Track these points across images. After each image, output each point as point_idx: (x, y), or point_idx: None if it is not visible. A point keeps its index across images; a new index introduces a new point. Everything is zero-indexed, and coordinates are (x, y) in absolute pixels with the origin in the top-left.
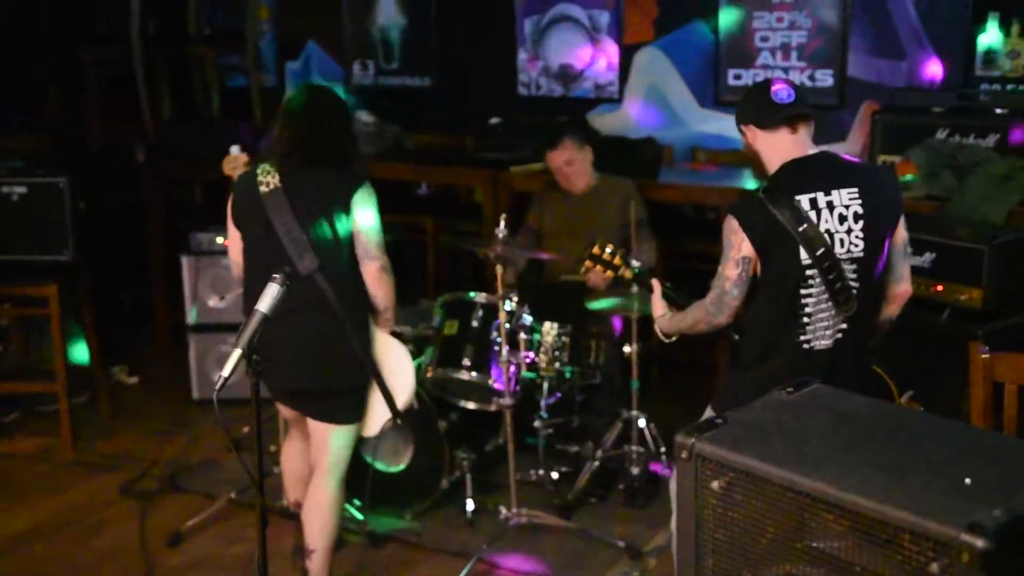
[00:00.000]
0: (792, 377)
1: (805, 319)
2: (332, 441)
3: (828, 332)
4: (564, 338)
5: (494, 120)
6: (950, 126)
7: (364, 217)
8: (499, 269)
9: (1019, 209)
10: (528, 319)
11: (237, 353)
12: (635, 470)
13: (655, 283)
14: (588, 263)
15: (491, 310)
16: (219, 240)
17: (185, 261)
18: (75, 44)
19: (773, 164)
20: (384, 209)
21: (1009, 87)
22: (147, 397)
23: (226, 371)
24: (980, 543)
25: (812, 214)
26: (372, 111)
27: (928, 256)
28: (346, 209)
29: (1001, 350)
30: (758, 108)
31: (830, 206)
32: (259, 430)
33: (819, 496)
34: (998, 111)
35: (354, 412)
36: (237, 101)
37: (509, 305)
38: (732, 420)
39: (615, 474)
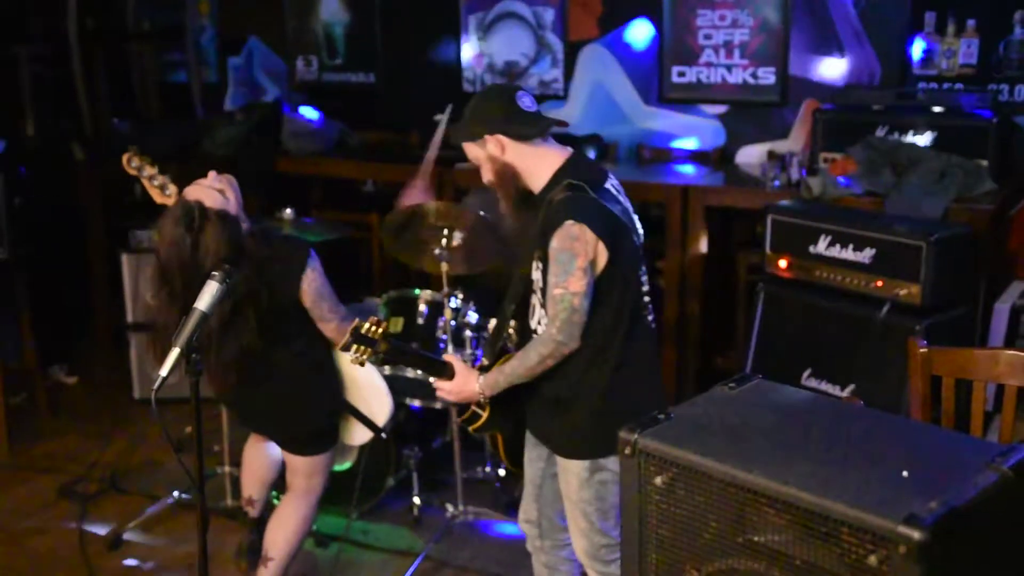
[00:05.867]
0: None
1: (647, 298)
2: (305, 469)
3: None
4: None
5: (439, 117)
6: (889, 124)
7: (315, 295)
8: (444, 266)
9: (956, 206)
10: (474, 316)
11: (176, 352)
12: None
13: (450, 359)
14: (355, 346)
15: (436, 307)
16: None
17: (125, 259)
18: (10, 41)
19: (541, 172)
20: (329, 207)
21: (945, 86)
22: (87, 397)
23: (164, 371)
24: (917, 535)
25: (623, 199)
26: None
27: (868, 252)
28: (296, 298)
29: (939, 344)
30: (514, 119)
31: (619, 192)
32: (200, 431)
33: (760, 490)
34: (935, 109)
35: (325, 443)
36: (177, 97)
37: (454, 302)
38: (675, 416)
39: None
